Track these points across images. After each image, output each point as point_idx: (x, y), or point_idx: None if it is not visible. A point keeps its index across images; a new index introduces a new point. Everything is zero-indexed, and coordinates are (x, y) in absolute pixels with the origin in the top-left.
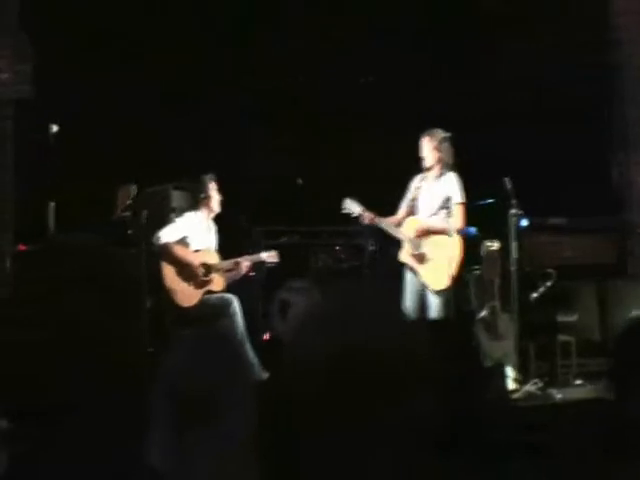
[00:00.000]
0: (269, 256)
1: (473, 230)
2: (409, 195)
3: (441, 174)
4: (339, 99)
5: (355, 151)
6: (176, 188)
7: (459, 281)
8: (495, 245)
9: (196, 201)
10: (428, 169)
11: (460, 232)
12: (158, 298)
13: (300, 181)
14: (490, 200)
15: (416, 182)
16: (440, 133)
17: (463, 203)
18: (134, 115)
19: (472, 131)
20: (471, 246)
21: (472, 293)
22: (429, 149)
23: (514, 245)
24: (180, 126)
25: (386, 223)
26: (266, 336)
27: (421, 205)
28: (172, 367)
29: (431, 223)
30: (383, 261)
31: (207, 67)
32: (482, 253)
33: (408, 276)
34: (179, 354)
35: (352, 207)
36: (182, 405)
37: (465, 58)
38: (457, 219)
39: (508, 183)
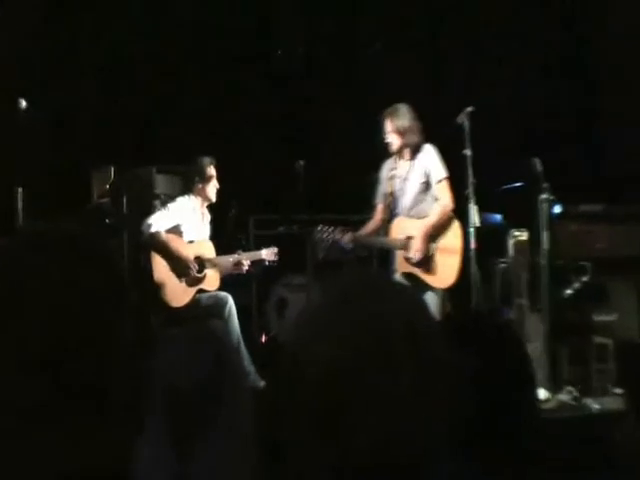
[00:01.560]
0: (269, 254)
1: (498, 218)
2: (383, 188)
3: (413, 155)
4: (345, 74)
5: (361, 130)
6: (160, 171)
7: (464, 274)
8: (523, 235)
9: (189, 185)
10: (397, 153)
11: (483, 220)
12: (141, 295)
13: (300, 163)
14: (517, 184)
15: (387, 171)
16: (403, 110)
17: (447, 178)
18: (112, 88)
19: (498, 107)
20: (496, 236)
21: (497, 289)
22: (392, 133)
23: (545, 235)
24: (166, 102)
25: (369, 237)
26: (263, 338)
27: (400, 197)
28: (159, 373)
29: (428, 224)
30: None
31: (205, 40)
32: (509, 244)
33: (397, 278)
34: (167, 358)
35: (324, 234)
36: (170, 415)
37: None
38: (444, 198)
39: (538, 164)
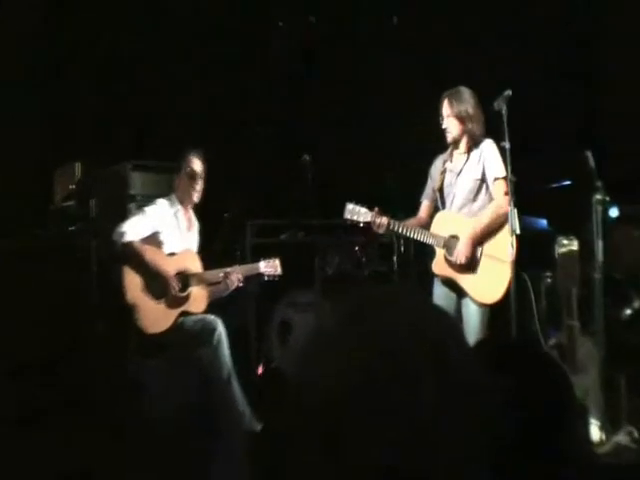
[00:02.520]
0: (269, 266)
1: (543, 223)
2: (432, 184)
3: (471, 147)
4: (361, 50)
5: (378, 117)
6: (136, 168)
7: (520, 291)
8: (573, 244)
9: (172, 185)
10: (453, 144)
11: (524, 226)
12: (116, 319)
13: (307, 157)
14: (566, 182)
15: (439, 165)
16: (467, 94)
17: (505, 177)
18: (79, 67)
19: (538, 91)
20: (541, 244)
21: (542, 308)
22: (451, 117)
23: (599, 243)
24: (145, 88)
25: (409, 227)
26: (260, 370)
27: (449, 193)
28: (135, 411)
29: (478, 224)
30: (419, 265)
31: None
32: (556, 254)
33: (438, 290)
34: (142, 396)
35: (356, 214)
36: (149, 463)
37: None
38: (500, 199)
39: (591, 158)
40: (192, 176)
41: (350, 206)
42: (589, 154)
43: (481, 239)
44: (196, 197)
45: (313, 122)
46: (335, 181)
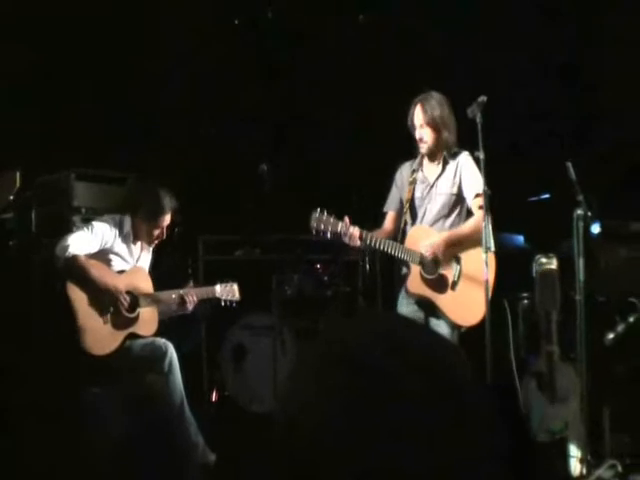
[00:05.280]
0: (226, 291)
1: (519, 240)
2: (398, 193)
3: (446, 159)
4: (327, 55)
5: (347, 122)
6: (81, 178)
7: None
8: (553, 262)
9: (129, 205)
10: (424, 154)
11: (500, 243)
12: (56, 338)
13: (264, 167)
14: (545, 195)
15: (406, 173)
16: (440, 99)
17: (482, 193)
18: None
19: (514, 97)
20: (517, 263)
21: (519, 332)
22: (425, 126)
23: (581, 262)
24: (94, 87)
25: (381, 240)
26: (214, 397)
27: (422, 208)
28: (78, 442)
29: (457, 231)
30: (387, 285)
31: None
32: (533, 273)
33: (403, 309)
34: (84, 426)
35: (324, 224)
36: None
37: None
38: (479, 218)
39: (572, 170)
40: (162, 230)
41: (316, 214)
42: (570, 165)
43: (458, 249)
44: (154, 244)
45: (271, 128)
46: (295, 193)
